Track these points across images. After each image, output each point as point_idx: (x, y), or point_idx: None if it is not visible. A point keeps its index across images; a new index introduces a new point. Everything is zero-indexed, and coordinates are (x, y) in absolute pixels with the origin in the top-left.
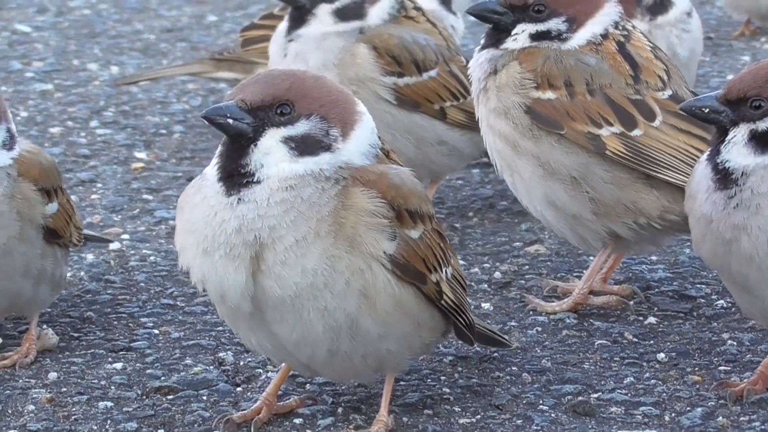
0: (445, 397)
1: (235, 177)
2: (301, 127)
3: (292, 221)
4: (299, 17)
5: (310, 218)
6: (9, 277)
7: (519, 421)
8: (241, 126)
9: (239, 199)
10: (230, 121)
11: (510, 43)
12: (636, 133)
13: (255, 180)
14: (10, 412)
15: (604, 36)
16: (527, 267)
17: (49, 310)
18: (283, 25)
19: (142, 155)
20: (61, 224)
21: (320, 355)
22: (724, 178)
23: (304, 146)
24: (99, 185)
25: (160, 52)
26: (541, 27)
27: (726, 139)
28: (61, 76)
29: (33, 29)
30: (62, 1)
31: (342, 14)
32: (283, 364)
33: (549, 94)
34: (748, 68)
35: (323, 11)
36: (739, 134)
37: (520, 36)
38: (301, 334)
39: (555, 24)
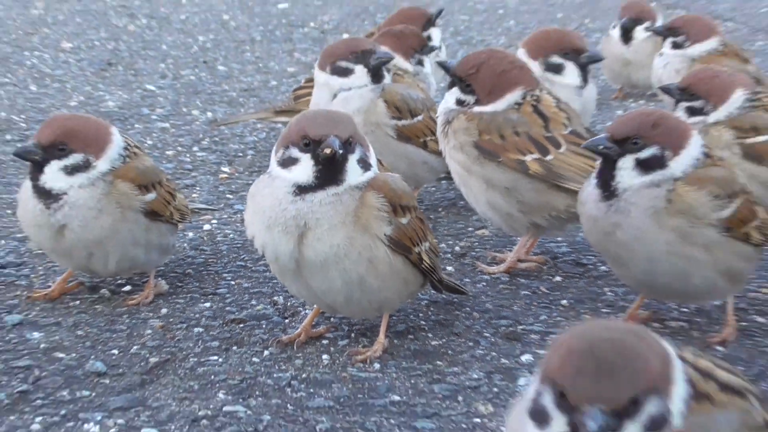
0: (421, 326)
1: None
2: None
3: (330, 215)
4: (344, 73)
5: (341, 213)
6: (123, 246)
7: (470, 344)
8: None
9: (302, 198)
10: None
11: (453, 105)
12: (549, 157)
13: (315, 188)
14: (135, 334)
15: (520, 103)
16: (477, 244)
17: (162, 267)
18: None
19: (226, 169)
20: (160, 207)
21: (340, 300)
22: (610, 192)
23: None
24: (197, 188)
25: (239, 104)
26: (470, 98)
27: (617, 165)
28: (175, 118)
29: (157, 88)
30: (176, 70)
31: (373, 75)
32: (315, 306)
33: (486, 137)
34: (626, 116)
35: (362, 72)
36: (626, 162)
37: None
38: (327, 286)
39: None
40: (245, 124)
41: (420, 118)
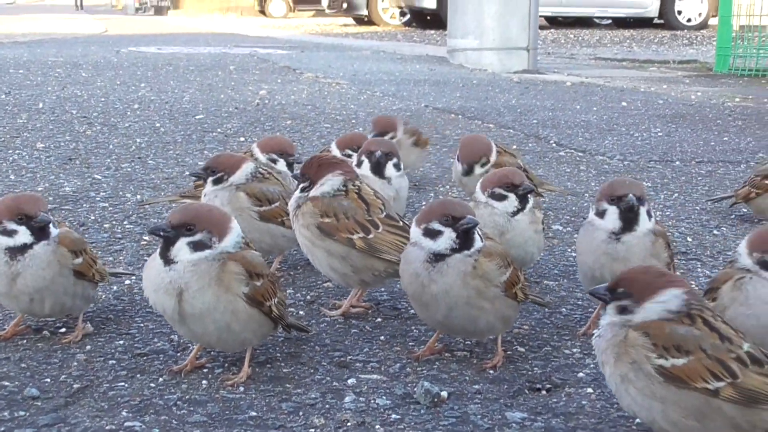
0: (277, 357)
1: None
2: (197, 237)
3: (196, 279)
4: (218, 181)
5: (205, 277)
6: (57, 295)
7: (311, 370)
8: (163, 233)
9: (170, 269)
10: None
11: (299, 193)
12: (371, 236)
13: (175, 261)
14: (65, 366)
15: (345, 189)
16: (323, 293)
17: (90, 312)
18: (209, 185)
19: (146, 238)
20: (86, 269)
21: (213, 340)
22: (435, 258)
23: (199, 246)
24: (124, 253)
25: (161, 189)
26: (306, 184)
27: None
28: (112, 200)
29: (102, 177)
30: (118, 164)
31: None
32: (197, 343)
33: (326, 219)
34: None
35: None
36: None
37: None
38: (203, 330)
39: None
40: (163, 204)
41: (276, 204)
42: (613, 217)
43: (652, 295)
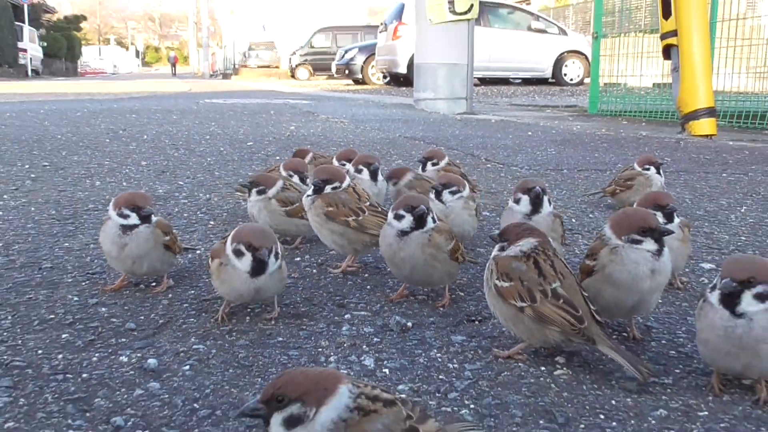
0: (297, 300)
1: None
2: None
3: None
4: (260, 192)
5: None
6: (151, 260)
7: (320, 309)
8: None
9: None
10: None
11: (311, 193)
12: (360, 218)
13: None
14: (153, 308)
15: (347, 187)
16: (329, 258)
17: (171, 272)
18: (253, 195)
19: (212, 222)
20: (171, 244)
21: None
22: (402, 234)
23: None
24: (197, 233)
25: (224, 189)
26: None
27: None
28: (190, 198)
29: (184, 184)
30: (201, 174)
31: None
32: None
33: (330, 208)
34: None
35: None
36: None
37: (310, 191)
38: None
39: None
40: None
41: (296, 204)
42: (525, 203)
43: (516, 241)
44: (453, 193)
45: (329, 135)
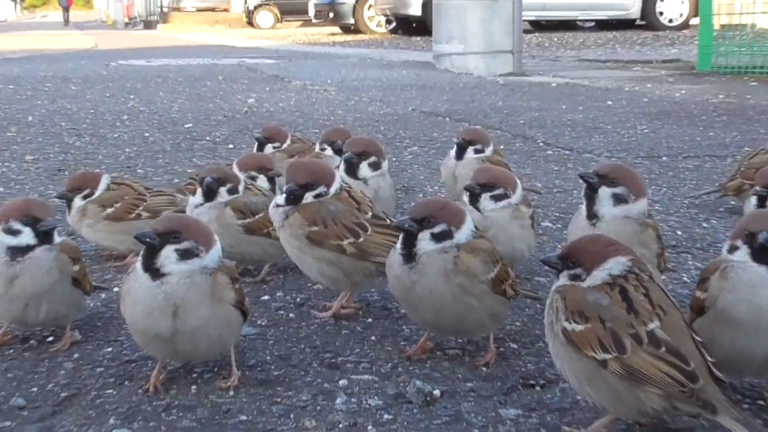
0: (267, 361)
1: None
2: (184, 245)
3: (192, 293)
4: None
5: (200, 292)
6: (53, 302)
7: (302, 372)
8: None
9: (162, 282)
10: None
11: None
12: (361, 240)
13: (165, 273)
14: (51, 375)
15: (337, 192)
16: (312, 296)
17: (78, 321)
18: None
19: None
20: (81, 277)
21: (201, 353)
22: (410, 257)
23: (187, 254)
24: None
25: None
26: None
27: (416, 243)
28: None
29: None
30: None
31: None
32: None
33: (314, 228)
34: (420, 202)
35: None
36: (423, 239)
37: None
38: (192, 347)
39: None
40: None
41: (259, 216)
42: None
43: (599, 264)
44: (497, 198)
45: (307, 111)
